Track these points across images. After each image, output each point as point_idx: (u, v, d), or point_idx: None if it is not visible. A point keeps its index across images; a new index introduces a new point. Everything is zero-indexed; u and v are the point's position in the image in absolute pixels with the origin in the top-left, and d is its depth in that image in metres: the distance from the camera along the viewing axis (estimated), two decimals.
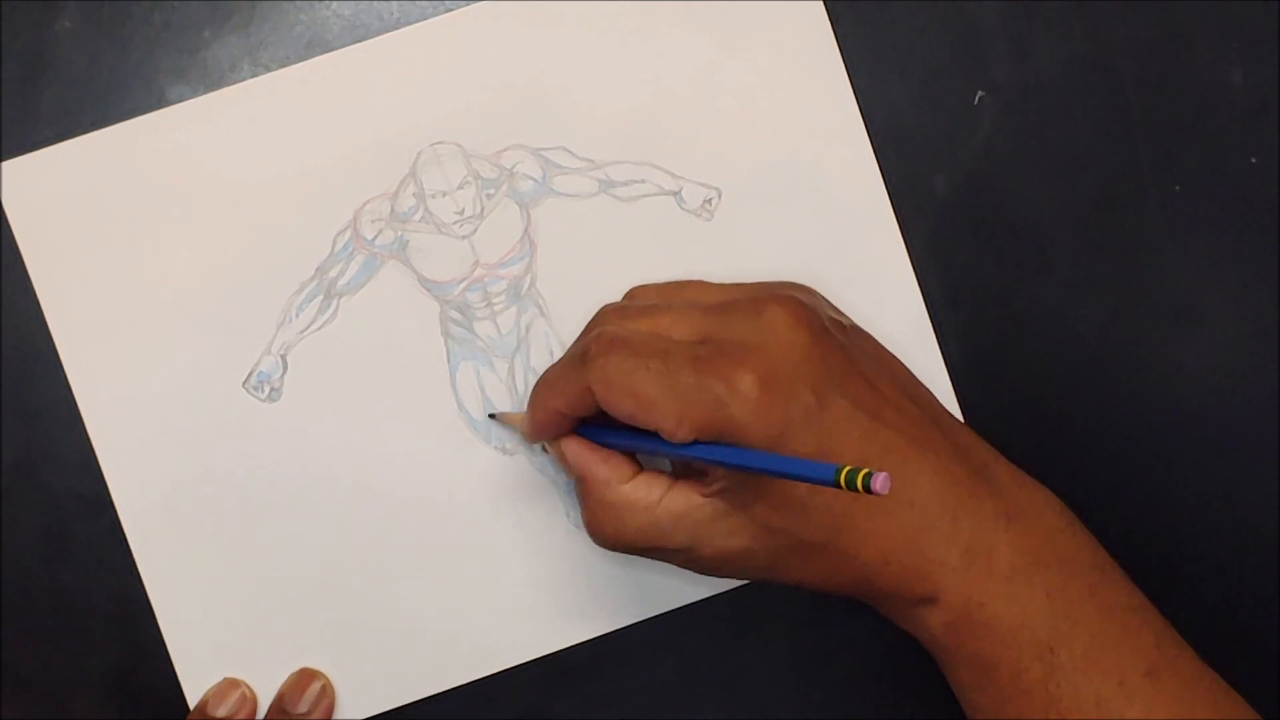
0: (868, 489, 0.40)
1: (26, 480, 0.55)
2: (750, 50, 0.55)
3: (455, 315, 0.55)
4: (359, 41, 0.55)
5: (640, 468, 0.50)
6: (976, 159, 0.56)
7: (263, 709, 0.55)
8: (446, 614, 0.56)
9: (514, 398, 0.56)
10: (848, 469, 0.41)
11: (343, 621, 0.56)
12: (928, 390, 0.53)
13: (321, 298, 0.55)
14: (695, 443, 0.47)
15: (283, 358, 0.55)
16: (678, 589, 0.56)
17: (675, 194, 0.56)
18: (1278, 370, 0.57)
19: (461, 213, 0.55)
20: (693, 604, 0.56)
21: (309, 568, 0.55)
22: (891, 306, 0.56)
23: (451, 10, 0.55)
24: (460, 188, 0.55)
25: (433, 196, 0.55)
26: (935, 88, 0.56)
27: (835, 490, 0.46)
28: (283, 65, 0.55)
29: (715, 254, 0.56)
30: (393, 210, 0.55)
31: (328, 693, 0.55)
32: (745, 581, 0.56)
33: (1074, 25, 0.56)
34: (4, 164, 0.55)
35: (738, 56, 0.56)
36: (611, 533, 0.50)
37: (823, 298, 0.53)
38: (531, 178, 0.55)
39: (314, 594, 0.55)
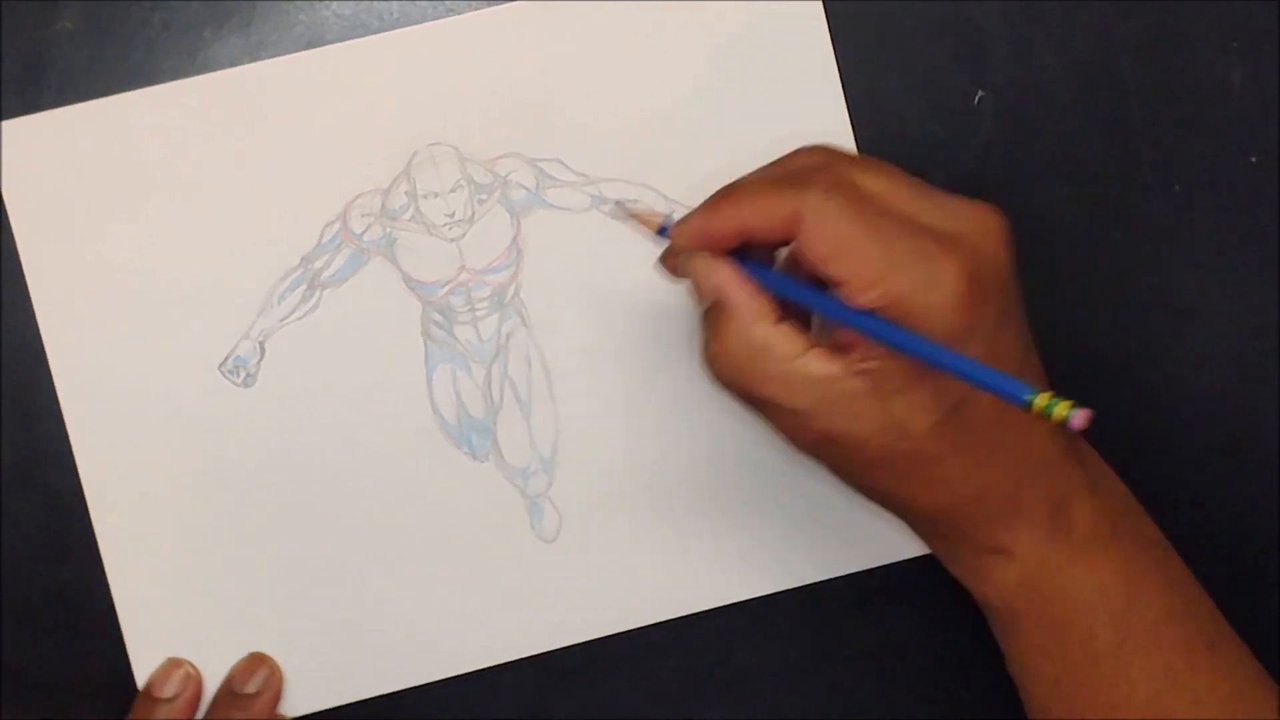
0: (1063, 422, 0.40)
1: (26, 480, 0.55)
2: (749, 67, 0.55)
3: (437, 317, 0.55)
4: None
5: (782, 315, 0.47)
6: (976, 159, 0.56)
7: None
8: (402, 613, 0.56)
9: (488, 404, 0.56)
10: (1050, 396, 0.41)
11: (302, 612, 0.55)
12: None
13: (305, 287, 0.55)
14: (873, 314, 0.45)
15: (261, 344, 0.55)
16: (633, 611, 0.56)
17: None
18: (1278, 370, 0.57)
19: (452, 215, 0.55)
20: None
21: (270, 555, 0.55)
22: None
23: (451, 10, 0.55)
24: (453, 190, 0.55)
25: (425, 197, 0.55)
26: (935, 88, 0.56)
27: (983, 412, 0.46)
28: None
29: None
30: (384, 207, 0.55)
31: (277, 676, 0.55)
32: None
33: (1074, 25, 0.56)
34: (4, 123, 0.55)
35: (737, 73, 0.55)
36: (736, 371, 0.47)
37: None
38: (525, 187, 0.55)
39: (273, 582, 0.55)
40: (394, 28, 0.55)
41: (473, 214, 0.55)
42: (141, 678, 0.55)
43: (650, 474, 0.56)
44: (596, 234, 0.55)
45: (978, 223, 0.46)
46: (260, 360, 0.55)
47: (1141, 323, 0.56)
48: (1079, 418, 0.40)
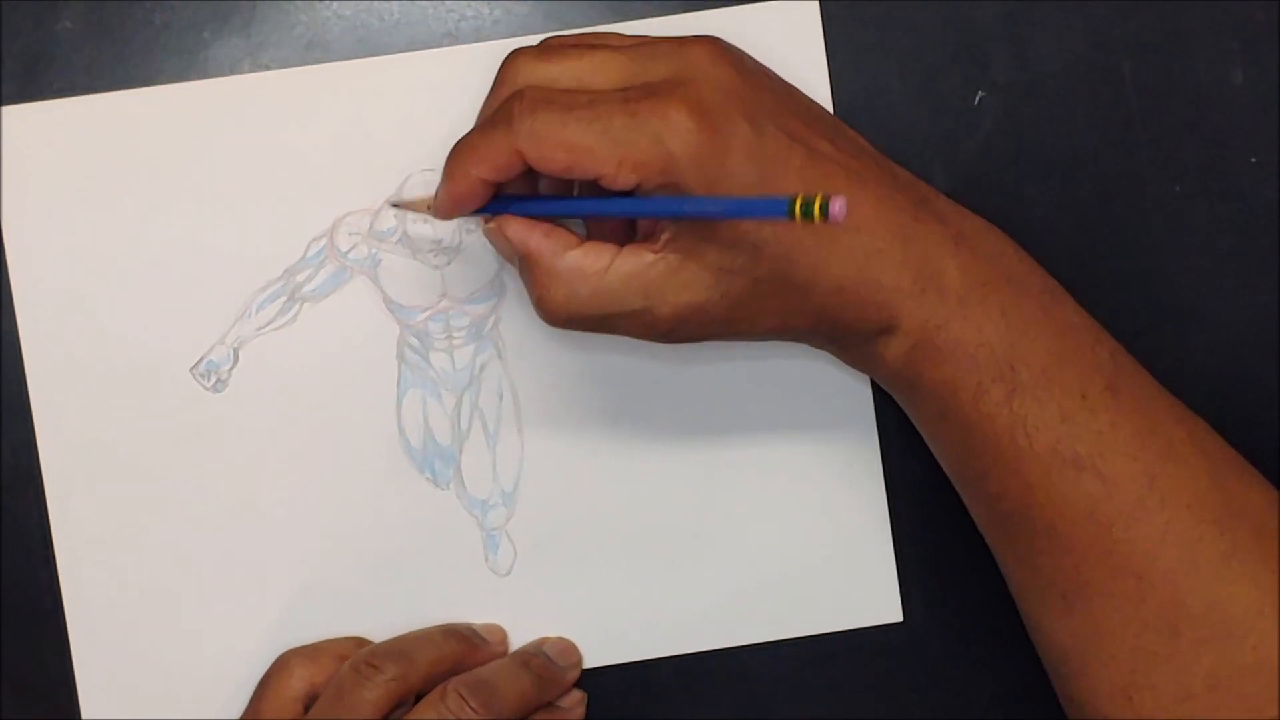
0: (825, 216, 0.39)
1: (26, 480, 0.55)
2: None
3: (413, 342, 0.55)
4: (359, 42, 0.55)
5: (583, 239, 0.49)
6: (976, 159, 0.56)
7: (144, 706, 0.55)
8: (351, 631, 0.55)
9: (455, 433, 0.56)
10: (801, 198, 0.40)
11: (246, 621, 0.55)
12: (859, 136, 0.52)
13: (285, 299, 0.55)
14: (634, 195, 0.46)
15: (235, 351, 0.55)
16: (591, 649, 0.56)
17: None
18: (1278, 370, 0.57)
19: (439, 242, 0.55)
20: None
21: (221, 560, 0.55)
22: None
23: (452, 12, 0.55)
24: None
25: (414, 221, 0.55)
26: (935, 88, 0.56)
27: (786, 223, 0.45)
28: (283, 66, 0.55)
29: None
30: (372, 227, 0.55)
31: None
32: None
33: (1074, 25, 0.56)
34: (4, 109, 0.55)
35: None
36: (562, 302, 0.48)
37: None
38: None
39: (221, 588, 0.55)
40: (395, 29, 0.55)
41: (460, 243, 0.55)
42: (84, 680, 0.55)
43: (609, 518, 0.56)
44: None
45: (688, 57, 0.47)
46: (233, 367, 0.55)
47: (1141, 323, 0.56)
48: (835, 206, 0.39)
